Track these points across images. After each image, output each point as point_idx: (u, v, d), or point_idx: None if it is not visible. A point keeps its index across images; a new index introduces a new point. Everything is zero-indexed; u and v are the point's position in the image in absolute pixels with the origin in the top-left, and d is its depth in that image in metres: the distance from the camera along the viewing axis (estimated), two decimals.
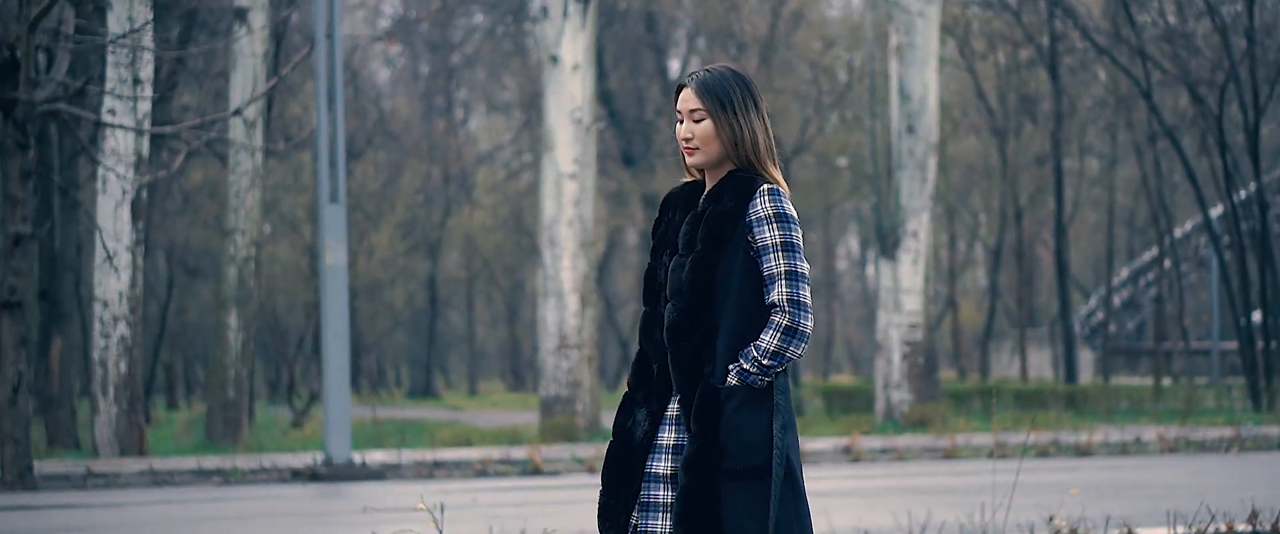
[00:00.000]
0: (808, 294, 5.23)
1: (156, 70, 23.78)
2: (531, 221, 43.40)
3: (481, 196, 51.43)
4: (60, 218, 29.10)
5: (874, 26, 28.05)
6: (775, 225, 5.22)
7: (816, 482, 16.41)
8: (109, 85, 21.46)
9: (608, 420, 27.11)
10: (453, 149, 50.83)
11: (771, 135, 5.41)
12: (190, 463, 19.05)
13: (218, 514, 14.29)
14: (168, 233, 41.18)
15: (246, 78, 25.18)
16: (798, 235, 5.27)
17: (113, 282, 22.14)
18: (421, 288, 53.59)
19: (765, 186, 5.27)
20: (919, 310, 26.30)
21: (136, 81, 21.62)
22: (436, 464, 18.78)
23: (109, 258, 21.81)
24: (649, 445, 5.33)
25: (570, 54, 24.55)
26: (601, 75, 40.18)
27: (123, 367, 22.20)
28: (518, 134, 50.66)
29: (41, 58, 21.22)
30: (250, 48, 25.17)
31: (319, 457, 19.00)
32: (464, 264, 53.97)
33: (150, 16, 22.01)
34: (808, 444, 20.70)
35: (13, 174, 16.54)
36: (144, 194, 22.46)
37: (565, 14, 24.53)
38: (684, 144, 5.37)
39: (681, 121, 5.38)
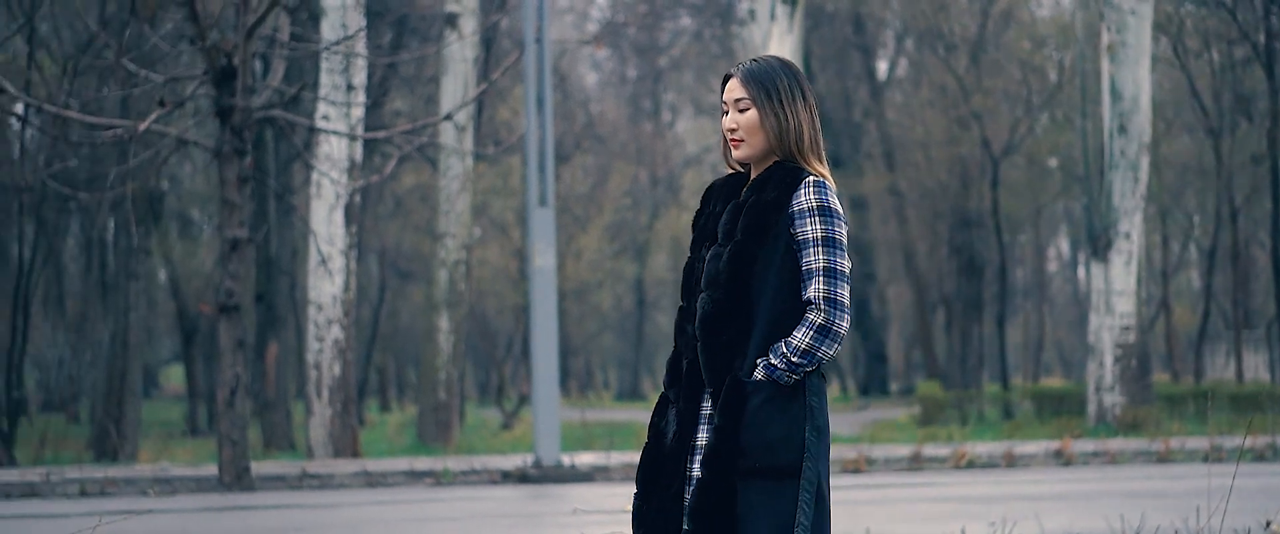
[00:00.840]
0: (845, 293, 5.04)
1: (369, 76, 24.14)
2: None
3: (688, 199, 51.49)
4: (276, 223, 29.64)
5: (1085, 25, 27.66)
6: (818, 218, 5.04)
7: (1027, 485, 16.22)
8: (323, 91, 21.81)
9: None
10: (660, 152, 50.97)
11: (818, 129, 5.23)
12: (402, 464, 19.28)
13: (429, 515, 14.45)
14: (380, 237, 41.76)
15: (457, 83, 25.45)
16: (841, 231, 5.08)
17: (327, 285, 22.48)
18: (629, 290, 53.81)
19: (811, 178, 5.09)
20: (1131, 313, 25.89)
21: (350, 87, 21.94)
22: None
23: (323, 262, 22.16)
24: (684, 446, 5.14)
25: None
26: (808, 78, 40.06)
27: (336, 369, 22.53)
28: None
29: (258, 65, 21.62)
30: (460, 53, 25.43)
31: (528, 458, 19.14)
32: (671, 266, 54.07)
33: (363, 23, 22.34)
34: (1019, 447, 20.47)
35: (230, 180, 16.85)
36: (357, 198, 22.79)
37: (772, 16, 24.48)
38: (729, 135, 5.22)
39: (727, 113, 5.23)
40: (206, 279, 41.18)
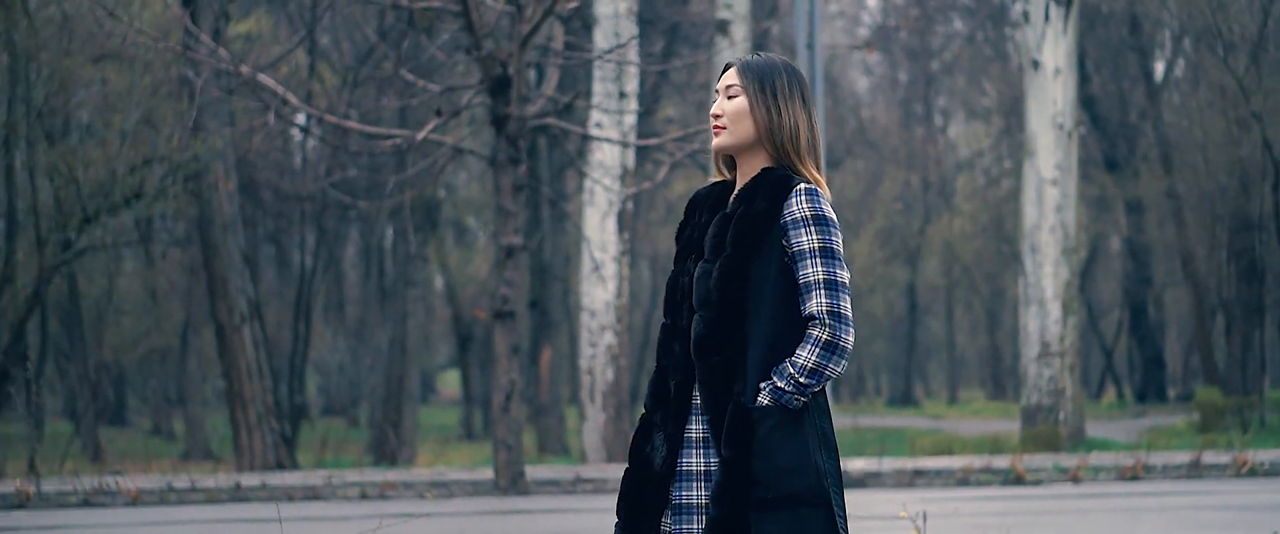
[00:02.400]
0: (848, 305, 4.76)
1: (641, 84, 24.30)
2: (1012, 228, 42.86)
3: (961, 203, 51.02)
4: (550, 230, 29.97)
5: None
6: (813, 228, 4.74)
7: None
8: (596, 99, 22.01)
9: (1093, 430, 26.60)
10: (932, 156, 50.57)
11: (817, 136, 4.93)
12: None
13: None
14: (652, 243, 42.03)
15: None
16: (837, 240, 4.78)
17: (599, 291, 22.68)
18: (901, 295, 53.46)
19: (803, 185, 4.78)
20: None
21: (622, 95, 22.12)
22: (917, 472, 18.69)
23: (596, 268, 22.35)
24: (671, 472, 4.84)
25: (1052, 58, 24.16)
26: (1083, 79, 39.42)
27: (609, 375, 22.71)
28: (997, 140, 50.08)
29: (532, 74, 21.89)
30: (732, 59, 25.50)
31: None
32: (943, 271, 53.60)
33: (636, 31, 22.50)
34: None
35: (505, 188, 17.08)
36: (629, 205, 22.96)
37: (1046, 18, 24.16)
38: (713, 123, 4.91)
39: (716, 100, 4.97)
40: (481, 286, 41.85)
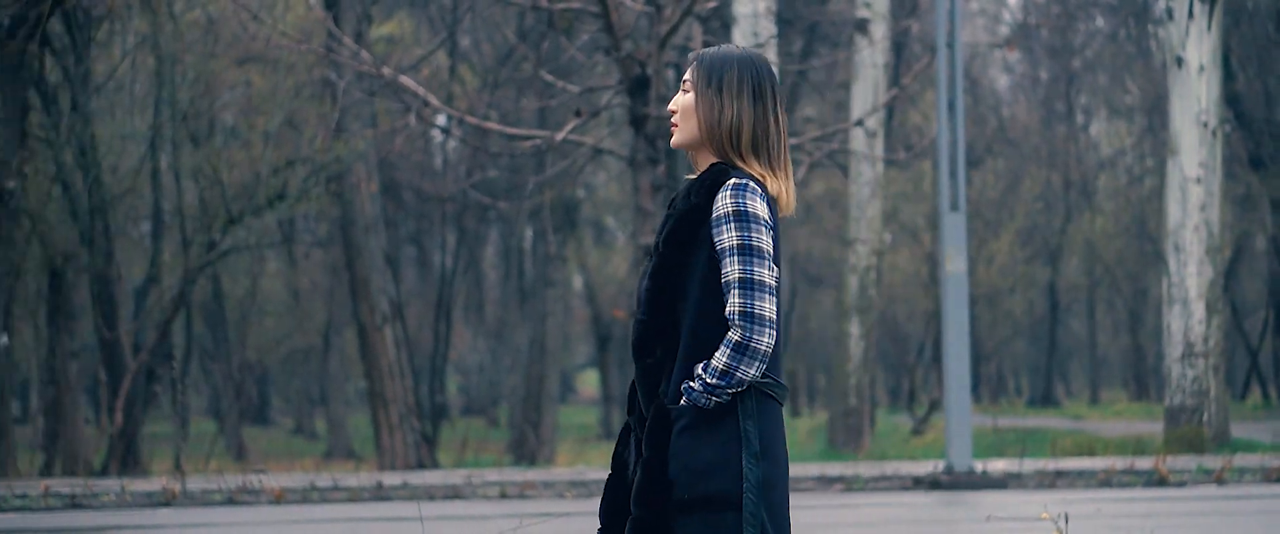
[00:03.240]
0: (767, 305, 4.55)
1: (780, 83, 24.29)
2: (1155, 227, 42.36)
3: (1103, 202, 50.51)
4: None
5: None
6: (733, 225, 4.57)
7: None
8: None
9: (1237, 431, 26.25)
10: (1073, 155, 50.10)
11: (775, 132, 4.76)
12: (813, 470, 19.32)
13: (840, 521, 14.46)
14: (790, 242, 41.94)
15: (867, 88, 25.43)
16: (761, 237, 4.58)
17: None
18: (1041, 295, 53.02)
19: (732, 180, 4.61)
20: None
21: None
22: (1058, 473, 18.53)
23: None
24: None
25: (1195, 55, 23.87)
26: (1228, 76, 38.92)
27: None
28: (1140, 139, 49.55)
29: (671, 74, 21.90)
30: (871, 59, 25.40)
31: (940, 464, 19.01)
32: (1085, 271, 53.10)
33: (774, 31, 22.48)
34: None
35: (644, 187, 17.11)
36: None
37: (1190, 15, 23.88)
38: (670, 118, 4.81)
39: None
40: (620, 285, 41.99)
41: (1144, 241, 48.15)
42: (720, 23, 24.02)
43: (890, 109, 29.48)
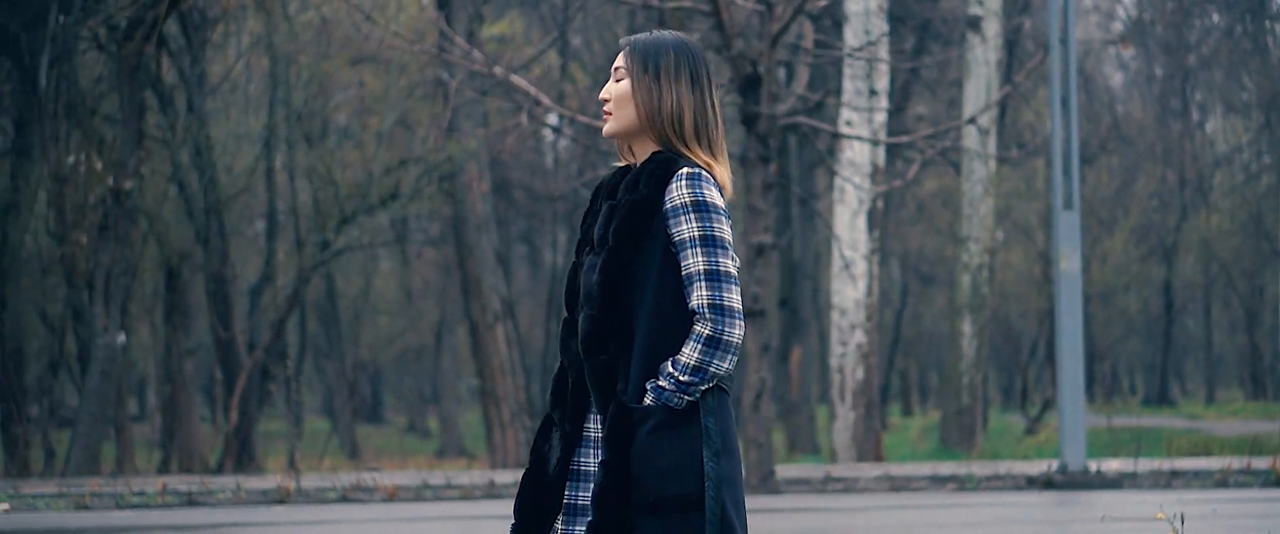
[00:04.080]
0: (733, 297, 4.42)
1: (892, 81, 24.18)
2: (1273, 225, 41.88)
3: (1219, 200, 49.97)
4: (799, 228, 29.94)
5: None
6: (693, 216, 4.43)
7: None
8: (846, 97, 21.94)
9: None
10: (1188, 152, 49.60)
11: (713, 117, 4.62)
12: (925, 469, 19.24)
13: (953, 521, 14.39)
14: (902, 241, 41.78)
15: (979, 86, 25.28)
16: (721, 227, 4.45)
17: (850, 290, 22.61)
18: (1156, 293, 52.50)
19: (685, 169, 4.47)
20: None
21: (872, 93, 22.03)
22: (1174, 473, 18.35)
23: (846, 266, 22.28)
24: (566, 472, 4.59)
25: None
26: None
27: (859, 373, 22.63)
28: (1257, 136, 48.98)
29: (782, 72, 21.88)
30: (983, 56, 25.26)
31: (1053, 464, 18.87)
32: (1201, 269, 52.54)
33: (886, 29, 22.40)
34: None
35: (755, 186, 17.10)
36: (880, 203, 22.86)
37: None
38: (602, 107, 4.64)
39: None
40: None
41: (1261, 239, 47.60)
42: (831, 21, 23.96)
43: (1003, 106, 29.30)
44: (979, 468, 19.23)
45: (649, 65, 4.60)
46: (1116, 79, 53.33)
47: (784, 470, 18.95)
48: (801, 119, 18.40)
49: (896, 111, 28.57)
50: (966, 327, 25.73)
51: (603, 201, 4.63)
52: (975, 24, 25.32)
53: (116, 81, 24.32)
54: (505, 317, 27.08)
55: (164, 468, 25.63)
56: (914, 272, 45.37)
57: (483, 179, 27.12)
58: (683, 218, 4.44)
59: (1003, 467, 19.42)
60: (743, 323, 4.44)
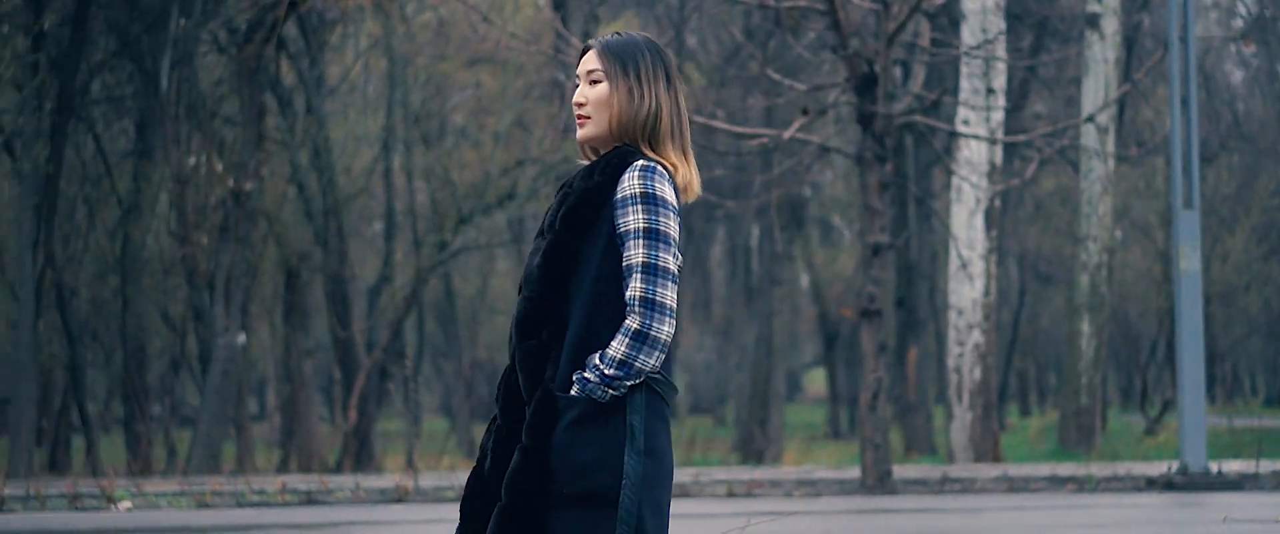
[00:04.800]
0: (669, 293, 4.35)
1: (1009, 79, 24.04)
2: None
3: None
4: (916, 227, 29.82)
5: None
6: (640, 207, 4.36)
7: None
8: (962, 96, 21.83)
9: None
10: None
11: (684, 120, 4.55)
12: (1043, 470, 19.11)
13: (1071, 522, 14.29)
14: (1020, 240, 41.51)
15: (1098, 84, 25.08)
16: (668, 222, 4.38)
17: (967, 289, 22.49)
18: (1277, 293, 51.88)
19: (640, 162, 4.42)
20: None
21: (989, 91, 21.90)
22: None
23: (963, 266, 22.17)
24: (502, 469, 4.48)
25: None
26: None
27: (977, 373, 22.51)
28: None
29: (898, 71, 21.81)
30: (1101, 54, 25.06)
31: (1173, 465, 18.69)
32: None
33: (1003, 27, 22.27)
34: None
35: (871, 185, 17.05)
36: (997, 202, 22.72)
37: None
38: (577, 111, 4.58)
39: (578, 86, 4.61)
40: (847, 284, 41.81)
41: None
42: (948, 19, 23.84)
43: (1121, 104, 29.04)
44: (1098, 469, 19.08)
45: (628, 68, 4.54)
46: (1237, 76, 52.75)
47: (901, 471, 18.88)
48: (918, 118, 18.32)
49: (1014, 110, 28.38)
50: (1085, 326, 25.53)
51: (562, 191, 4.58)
52: (1094, 21, 25.11)
53: (236, 84, 24.59)
54: None
55: (283, 467, 25.88)
56: (1032, 271, 45.05)
57: None
58: (630, 209, 4.38)
59: (1122, 468, 19.26)
60: (673, 320, 4.37)
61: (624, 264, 4.39)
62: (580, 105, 4.58)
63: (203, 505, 16.53)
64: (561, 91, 24.59)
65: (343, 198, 26.99)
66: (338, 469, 25.04)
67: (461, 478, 18.41)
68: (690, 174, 4.56)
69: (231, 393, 24.76)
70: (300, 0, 23.83)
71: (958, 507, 15.80)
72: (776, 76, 18.85)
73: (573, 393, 4.38)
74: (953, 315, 22.75)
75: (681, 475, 19.00)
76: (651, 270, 4.36)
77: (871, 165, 17.02)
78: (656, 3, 35.35)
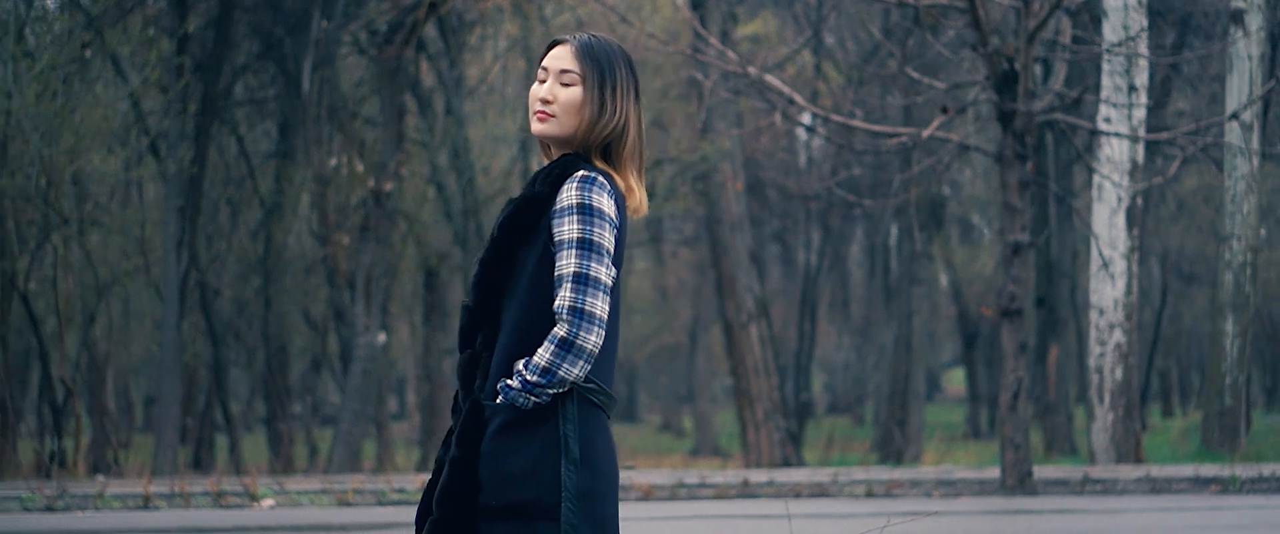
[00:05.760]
0: (598, 303, 4.25)
1: (1151, 76, 23.76)
2: None
3: None
4: (1056, 226, 29.56)
5: None
6: (575, 218, 4.28)
7: None
8: (1104, 93, 21.62)
9: None
10: None
11: (644, 139, 4.44)
12: (1187, 471, 18.88)
13: (1215, 524, 14.11)
14: (1161, 239, 41.01)
15: (1242, 81, 24.74)
16: (603, 234, 4.29)
17: (1108, 289, 22.27)
18: None
19: (581, 172, 4.33)
20: None
21: (1131, 89, 21.67)
22: None
23: (1104, 265, 21.95)
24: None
25: None
26: None
27: (1118, 373, 22.28)
28: None
29: (1039, 69, 21.63)
30: (1246, 50, 24.72)
31: None
32: None
33: (1145, 23, 22.03)
34: None
35: (1011, 184, 16.93)
36: (1138, 201, 22.48)
37: None
38: (540, 106, 4.42)
39: (543, 82, 4.45)
40: (987, 283, 41.53)
41: None
42: (1089, 16, 23.61)
43: (1266, 101, 28.60)
44: (1242, 470, 18.82)
45: (604, 77, 4.45)
46: None
47: (1041, 471, 18.73)
48: (1059, 116, 18.16)
49: (1156, 107, 28.06)
50: (1229, 326, 25.19)
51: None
52: (1238, 17, 24.78)
53: (377, 85, 24.81)
54: (759, 316, 27.10)
55: (423, 466, 26.07)
56: (1174, 270, 44.50)
57: (737, 178, 27.18)
58: (567, 219, 4.31)
59: (1267, 469, 18.99)
60: (601, 331, 4.29)
61: (556, 273, 4.31)
62: (547, 102, 4.45)
63: (344, 503, 16.69)
64: (699, 91, 24.59)
65: (481, 198, 27.16)
66: None
67: None
68: (642, 195, 4.49)
69: (371, 392, 24.99)
70: (440, 1, 24.01)
71: (1099, 508, 15.65)
72: (916, 75, 18.76)
73: (497, 401, 4.33)
74: (1094, 315, 22.54)
75: (820, 475, 18.95)
76: (582, 280, 4.28)
77: (1012, 164, 16.90)
78: (795, 1, 35.27)
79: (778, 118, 18.79)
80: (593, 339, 4.27)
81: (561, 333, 4.26)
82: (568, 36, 4.51)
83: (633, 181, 4.46)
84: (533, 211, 4.36)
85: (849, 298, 49.09)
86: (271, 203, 26.88)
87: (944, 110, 17.55)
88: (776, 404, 26.96)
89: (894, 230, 39.00)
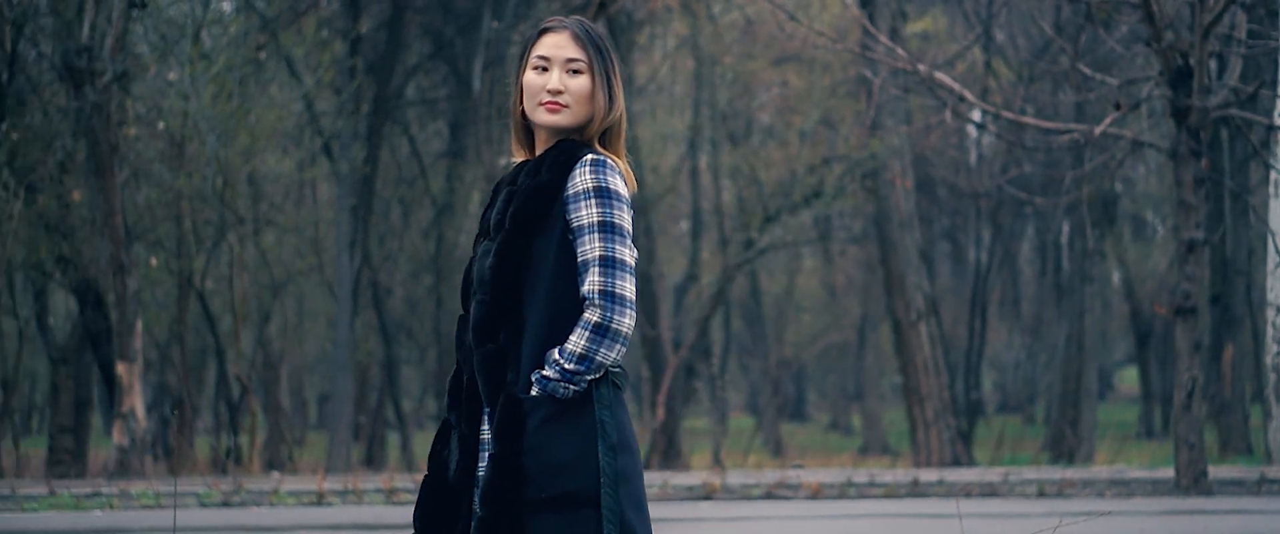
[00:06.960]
0: (627, 285, 4.27)
1: None
2: None
3: None
4: (1231, 223, 29.14)
5: None
6: (594, 201, 4.28)
7: None
8: None
9: None
10: None
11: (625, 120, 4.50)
12: None
13: None
14: None
15: None
16: (622, 215, 4.31)
17: None
18: None
19: (590, 156, 4.34)
20: None
21: None
22: None
23: None
24: (469, 479, 4.36)
25: None
26: None
27: None
28: None
29: (1214, 64, 21.31)
30: None
31: None
32: None
33: None
34: None
35: (1186, 181, 16.71)
36: None
37: None
38: (550, 98, 4.38)
39: (546, 69, 4.39)
40: (1160, 280, 41.01)
41: None
42: (1266, 10, 23.22)
43: None
44: None
45: (606, 63, 4.49)
46: None
47: (1217, 471, 18.47)
48: (1234, 112, 17.90)
49: None
50: None
51: (504, 189, 4.49)
52: None
53: None
54: (929, 314, 26.95)
55: None
56: None
57: (906, 176, 27.05)
58: (584, 203, 4.31)
59: None
60: (634, 312, 4.31)
61: (579, 258, 4.32)
62: (558, 92, 4.43)
63: None
64: (868, 88, 24.51)
65: (650, 196, 27.25)
66: (646, 465, 25.31)
67: (768, 476, 18.47)
68: (629, 173, 4.49)
69: None
70: (610, 1, 24.11)
71: (1276, 508, 15.42)
72: (1088, 71, 18.57)
73: (533, 393, 4.31)
74: (1270, 313, 22.18)
75: (990, 474, 18.83)
76: (609, 263, 4.29)
77: (1186, 160, 16.69)
78: None
79: (948, 115, 18.66)
80: (626, 322, 4.29)
81: (595, 318, 4.27)
82: (559, 23, 4.51)
83: (624, 162, 4.48)
84: (544, 200, 4.35)
85: (1020, 296, 48.66)
86: (443, 202, 27.13)
87: (1117, 106, 17.36)
88: (946, 403, 26.80)
89: (1065, 228, 38.60)
